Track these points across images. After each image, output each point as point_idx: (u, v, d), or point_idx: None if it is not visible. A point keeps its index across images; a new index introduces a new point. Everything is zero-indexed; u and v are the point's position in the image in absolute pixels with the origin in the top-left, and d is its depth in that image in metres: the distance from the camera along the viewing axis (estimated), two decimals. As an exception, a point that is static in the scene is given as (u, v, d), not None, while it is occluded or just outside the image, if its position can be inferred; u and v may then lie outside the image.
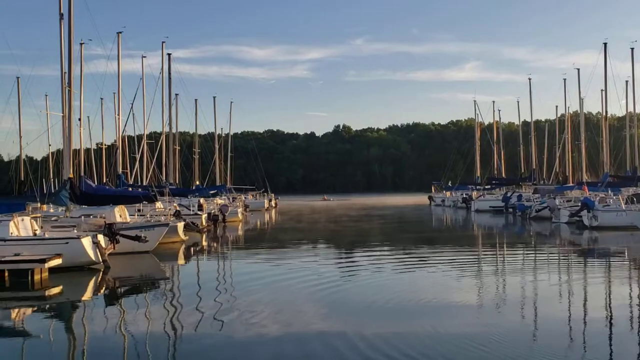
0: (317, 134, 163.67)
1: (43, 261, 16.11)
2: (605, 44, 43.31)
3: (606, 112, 47.61)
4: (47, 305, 13.96)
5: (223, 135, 70.76)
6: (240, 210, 47.67)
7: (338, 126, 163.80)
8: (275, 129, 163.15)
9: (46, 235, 18.45)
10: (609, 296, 13.79)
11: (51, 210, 29.33)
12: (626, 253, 22.54)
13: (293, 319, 11.25)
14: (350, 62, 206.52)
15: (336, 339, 9.68)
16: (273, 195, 76.56)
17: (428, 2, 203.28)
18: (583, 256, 22.21)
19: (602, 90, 46.56)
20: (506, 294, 14.22)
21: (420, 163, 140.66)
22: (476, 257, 22.42)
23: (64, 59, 24.86)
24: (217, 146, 64.96)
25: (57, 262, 16.66)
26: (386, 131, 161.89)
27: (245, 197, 64.92)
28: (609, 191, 37.66)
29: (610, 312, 11.91)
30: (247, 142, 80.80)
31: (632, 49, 44.48)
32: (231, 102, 71.43)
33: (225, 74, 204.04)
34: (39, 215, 22.75)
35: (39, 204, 26.71)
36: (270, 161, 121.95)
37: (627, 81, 47.44)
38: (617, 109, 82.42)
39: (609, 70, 43.54)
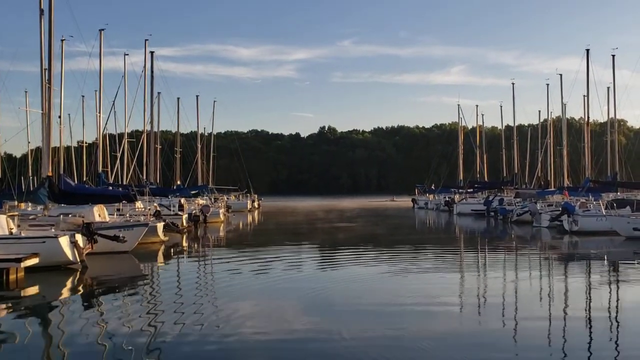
0: (302, 135, 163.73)
1: (19, 260, 15.84)
2: (587, 50, 43.78)
3: (588, 117, 48.11)
4: (23, 306, 13.70)
5: (206, 134, 70.45)
6: (222, 211, 47.42)
7: (323, 127, 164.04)
8: (259, 129, 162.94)
9: (23, 234, 18.13)
10: (587, 298, 13.87)
11: (29, 209, 28.97)
12: (605, 257, 22.75)
13: (274, 321, 11.15)
14: (337, 63, 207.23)
15: (317, 342, 9.66)
16: (256, 196, 76.29)
17: (416, 5, 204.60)
18: (561, 260, 22.38)
19: (584, 95, 47.12)
20: (486, 296, 14.24)
21: (404, 166, 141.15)
22: (458, 259, 22.48)
23: (44, 55, 24.49)
24: (199, 145, 64.58)
25: (33, 261, 16.39)
26: (371, 133, 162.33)
27: (227, 198, 64.66)
28: (590, 196, 38.02)
29: (589, 313, 11.98)
30: (231, 142, 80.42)
31: (614, 55, 44.96)
32: (214, 101, 71.05)
33: (210, 73, 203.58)
34: (16, 213, 22.42)
35: (16, 202, 26.35)
36: (254, 162, 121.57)
37: (608, 87, 47.99)
38: (599, 115, 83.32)
39: (591, 76, 44.00)
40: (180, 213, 36.16)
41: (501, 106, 71.54)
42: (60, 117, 33.75)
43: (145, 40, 44.85)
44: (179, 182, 57.07)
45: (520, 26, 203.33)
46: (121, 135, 45.20)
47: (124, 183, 40.32)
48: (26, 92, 52.65)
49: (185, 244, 28.57)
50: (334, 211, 64.98)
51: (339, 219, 49.98)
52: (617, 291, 15.17)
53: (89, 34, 66.60)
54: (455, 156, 74.95)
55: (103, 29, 37.85)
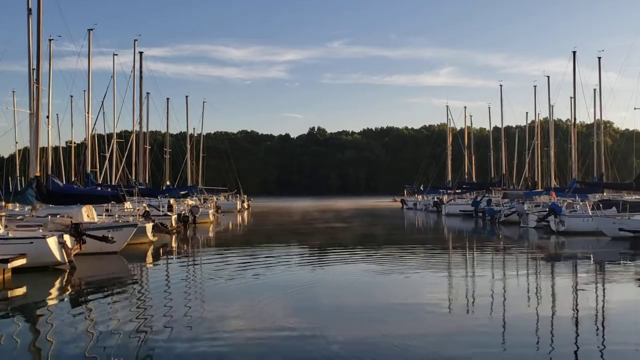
0: (292, 136, 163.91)
1: (6, 261, 15.79)
2: (574, 52, 44.26)
3: (575, 119, 48.56)
4: (10, 307, 13.63)
5: (195, 135, 70.29)
6: (211, 211, 47.35)
7: (313, 128, 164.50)
8: (249, 130, 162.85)
9: (10, 235, 18.06)
10: (574, 297, 14.04)
11: (17, 209, 28.82)
12: (591, 257, 23.01)
13: (262, 321, 11.22)
14: (327, 64, 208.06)
15: (306, 341, 9.74)
16: (246, 196, 76.21)
17: (407, 7, 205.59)
18: (548, 260, 22.59)
19: (571, 97, 47.50)
20: (474, 295, 14.35)
21: (393, 166, 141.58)
22: (446, 259, 22.62)
23: (32, 55, 24.44)
24: (188, 146, 64.47)
25: (20, 262, 16.33)
26: (360, 134, 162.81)
27: (217, 199, 64.56)
28: (576, 197, 38.37)
29: (575, 311, 12.13)
30: (221, 143, 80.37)
31: (600, 58, 45.60)
32: (204, 102, 71.06)
33: (200, 74, 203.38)
34: (3, 214, 22.30)
35: (4, 203, 26.22)
36: (244, 162, 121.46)
37: (595, 89, 48.47)
38: (585, 117, 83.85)
39: (578, 78, 44.55)
40: (169, 214, 36.05)
41: (489, 108, 72.50)
42: (48, 117, 33.51)
43: (135, 40, 44.87)
44: (168, 183, 56.89)
45: (508, 29, 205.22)
46: (110, 136, 45.04)
47: (113, 183, 40.17)
48: (14, 91, 52.57)
49: (174, 244, 28.51)
50: (329, 212, 65.01)
51: (335, 219, 49.99)
52: (603, 290, 15.37)
53: (78, 33, 66.31)
54: (443, 157, 75.35)
55: (92, 29, 37.81)
